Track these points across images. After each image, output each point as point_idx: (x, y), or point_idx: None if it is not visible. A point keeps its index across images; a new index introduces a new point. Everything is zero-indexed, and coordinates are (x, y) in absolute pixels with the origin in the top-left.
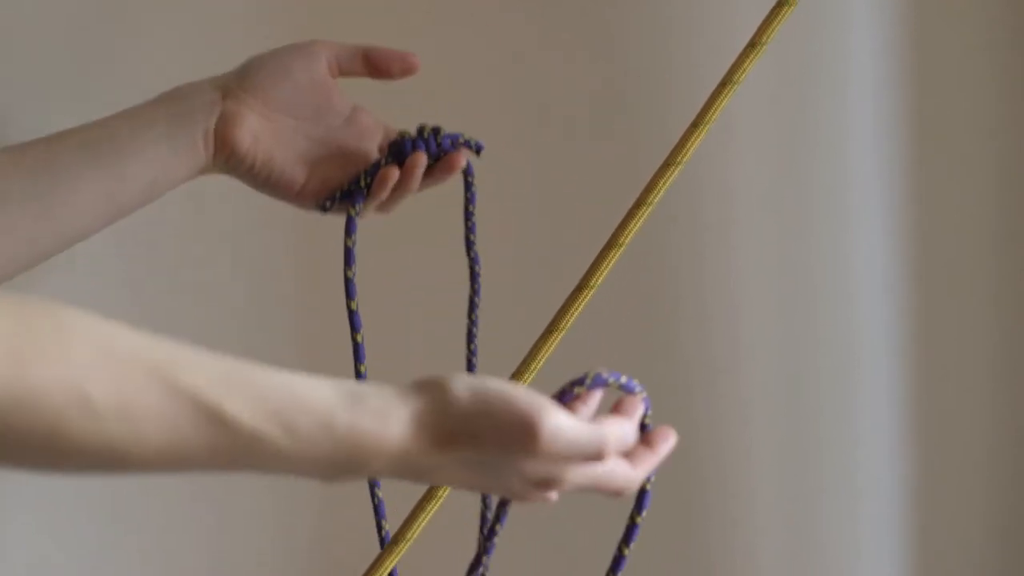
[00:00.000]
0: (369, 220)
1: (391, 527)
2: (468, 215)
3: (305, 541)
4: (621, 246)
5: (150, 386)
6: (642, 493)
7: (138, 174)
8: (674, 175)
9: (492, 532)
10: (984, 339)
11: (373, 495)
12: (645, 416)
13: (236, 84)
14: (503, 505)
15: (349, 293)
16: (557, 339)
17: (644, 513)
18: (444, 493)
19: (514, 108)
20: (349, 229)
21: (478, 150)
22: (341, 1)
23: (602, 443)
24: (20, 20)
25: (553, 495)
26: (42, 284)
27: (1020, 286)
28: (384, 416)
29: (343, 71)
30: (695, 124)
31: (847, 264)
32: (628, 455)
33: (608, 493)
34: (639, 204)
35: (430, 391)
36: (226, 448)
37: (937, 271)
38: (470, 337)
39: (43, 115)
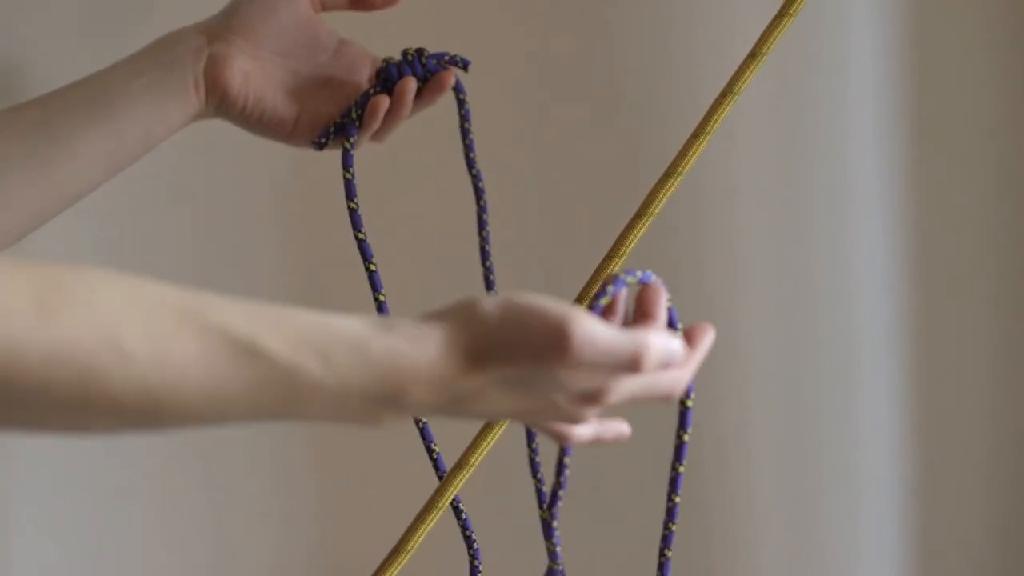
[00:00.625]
0: (367, 152)
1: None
2: (465, 132)
3: (305, 557)
4: (622, 256)
5: (182, 327)
6: (684, 411)
7: (133, 126)
8: (675, 185)
9: (561, 466)
10: (984, 339)
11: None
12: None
13: (222, 26)
14: (562, 458)
15: (355, 224)
16: None
17: (689, 430)
18: (444, 503)
19: (514, 117)
20: (346, 162)
21: (465, 66)
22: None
23: (638, 346)
24: (27, 21)
25: (604, 404)
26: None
27: (1020, 286)
28: (417, 339)
29: (326, 5)
30: (696, 135)
31: (847, 268)
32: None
33: (657, 398)
34: (640, 214)
35: (460, 312)
36: (264, 384)
37: (937, 277)
38: (484, 255)
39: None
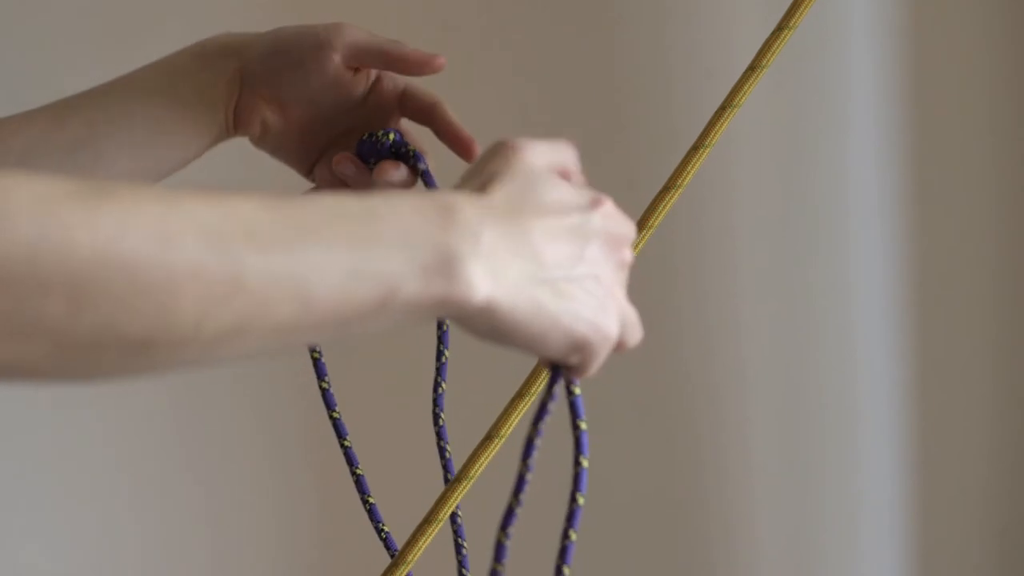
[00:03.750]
0: None
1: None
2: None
3: (304, 568)
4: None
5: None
6: (573, 400)
7: (169, 156)
8: (675, 198)
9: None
10: (984, 342)
11: (365, 502)
12: None
13: (255, 65)
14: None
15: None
16: None
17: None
18: (444, 515)
19: (513, 129)
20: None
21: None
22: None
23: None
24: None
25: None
26: None
27: (1020, 289)
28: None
29: (362, 64)
30: (695, 147)
31: (847, 278)
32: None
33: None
34: (639, 227)
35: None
36: (342, 222)
37: (935, 286)
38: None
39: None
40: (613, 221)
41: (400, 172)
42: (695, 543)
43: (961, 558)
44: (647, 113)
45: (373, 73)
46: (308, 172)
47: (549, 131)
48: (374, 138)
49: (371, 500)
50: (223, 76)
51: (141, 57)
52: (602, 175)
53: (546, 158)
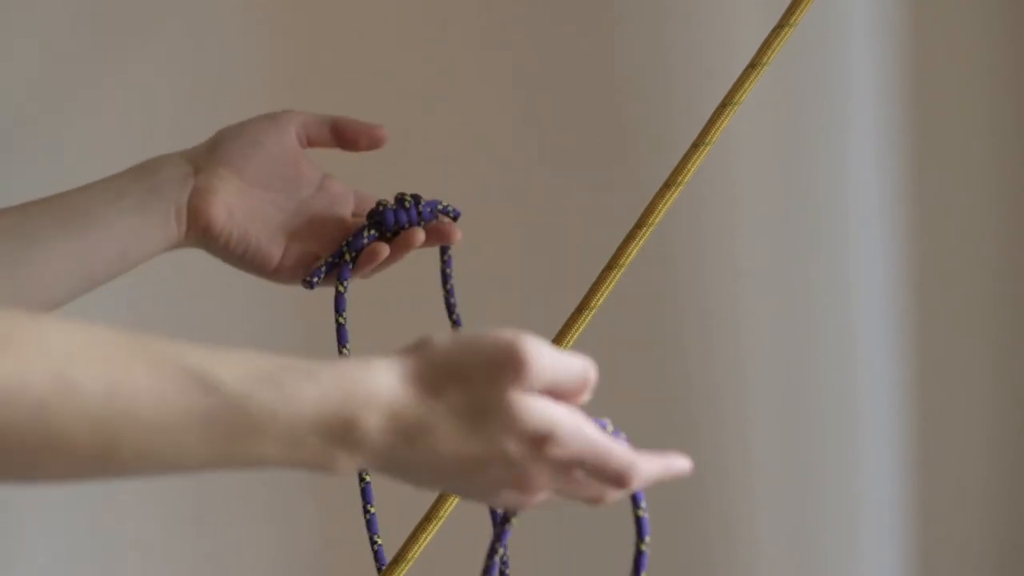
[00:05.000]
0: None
1: (393, 546)
2: (446, 278)
3: (305, 568)
4: (622, 267)
5: (133, 363)
6: (639, 519)
7: (110, 246)
8: (675, 196)
9: (502, 530)
10: (983, 343)
11: (366, 510)
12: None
13: (208, 157)
14: (504, 521)
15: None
16: None
17: (647, 539)
18: (445, 512)
19: (513, 127)
20: (339, 306)
21: (455, 217)
22: (338, 29)
23: (588, 368)
24: (29, 22)
25: (555, 453)
26: None
27: (1020, 290)
28: (369, 366)
29: (312, 142)
30: (696, 144)
31: (848, 277)
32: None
33: (607, 476)
34: (640, 225)
35: (412, 344)
36: (216, 415)
37: (936, 286)
38: (449, 307)
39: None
40: (552, 464)
41: (420, 236)
42: (695, 543)
43: (961, 558)
44: (647, 112)
45: (320, 174)
46: (273, 269)
47: (549, 131)
48: (402, 204)
49: (372, 510)
50: (170, 172)
51: (141, 57)
52: (602, 174)
53: (549, 376)
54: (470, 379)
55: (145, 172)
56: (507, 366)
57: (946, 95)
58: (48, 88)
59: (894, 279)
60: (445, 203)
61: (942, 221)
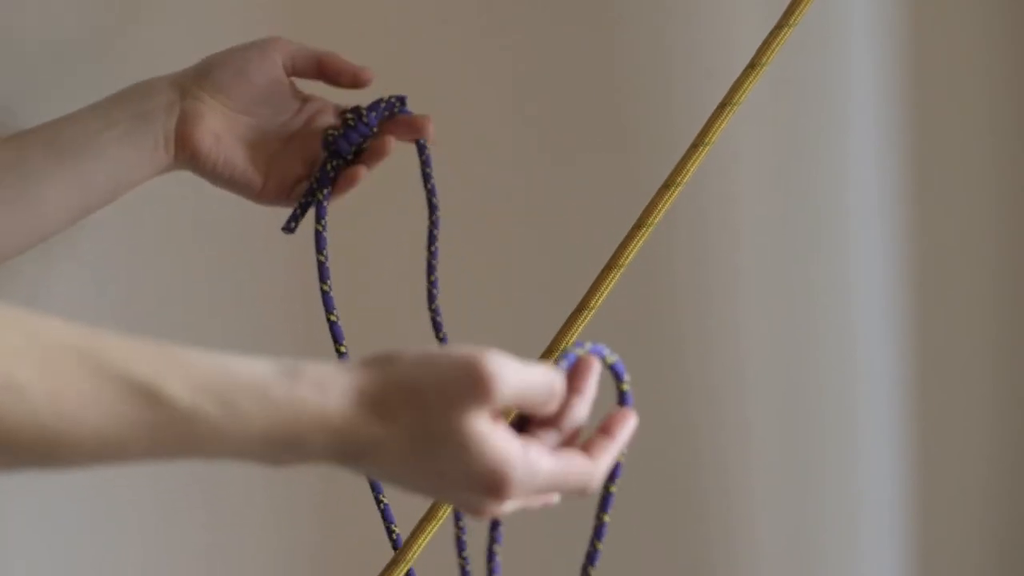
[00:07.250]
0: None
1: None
2: (427, 177)
3: (306, 565)
4: (622, 267)
5: (81, 369)
6: (606, 495)
7: (101, 175)
8: (674, 196)
9: (491, 554)
10: (984, 343)
11: (378, 500)
12: (622, 384)
13: (195, 83)
14: (494, 526)
15: (328, 305)
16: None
17: (609, 511)
18: (446, 512)
19: (511, 127)
20: (319, 245)
21: (402, 101)
22: (338, 29)
23: (554, 380)
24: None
25: (508, 493)
26: (18, 277)
27: (1020, 290)
28: (323, 387)
29: (297, 72)
30: (695, 145)
31: (848, 277)
32: (585, 446)
33: (568, 492)
34: (639, 225)
35: (375, 359)
36: (162, 428)
37: (937, 287)
38: (431, 298)
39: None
40: (507, 503)
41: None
42: (695, 543)
43: (961, 558)
44: (647, 112)
45: (302, 96)
46: (258, 191)
47: (549, 131)
48: (363, 111)
49: (384, 500)
50: (158, 99)
51: (141, 57)
52: (602, 175)
53: (513, 392)
54: (427, 404)
55: (134, 98)
56: (468, 387)
57: (946, 95)
58: (48, 88)
59: (894, 279)
60: (387, 97)
61: (942, 221)
